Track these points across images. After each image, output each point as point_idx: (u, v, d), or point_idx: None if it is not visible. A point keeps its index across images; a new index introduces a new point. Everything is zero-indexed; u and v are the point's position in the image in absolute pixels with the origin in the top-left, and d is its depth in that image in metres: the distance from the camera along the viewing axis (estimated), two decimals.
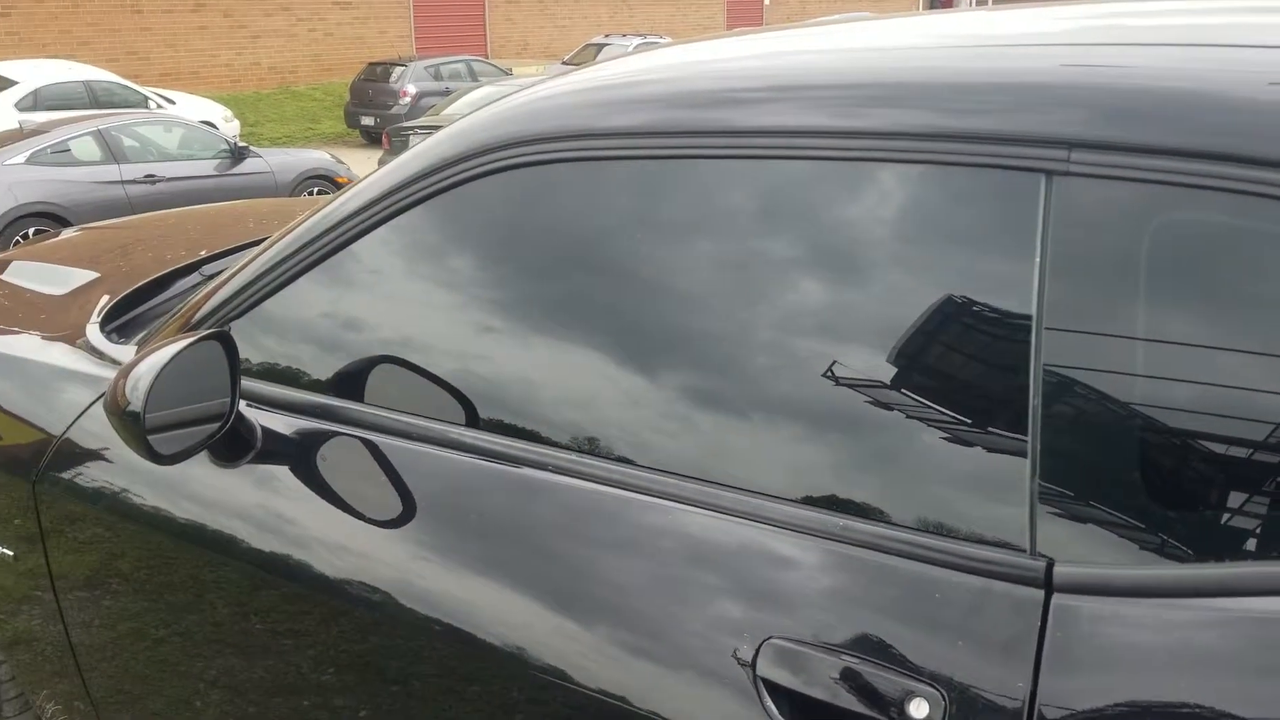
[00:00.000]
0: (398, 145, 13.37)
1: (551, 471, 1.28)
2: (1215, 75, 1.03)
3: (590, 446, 1.28)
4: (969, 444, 1.06)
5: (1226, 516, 0.96)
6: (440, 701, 1.33)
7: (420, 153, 1.45)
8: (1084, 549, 0.99)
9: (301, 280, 1.52)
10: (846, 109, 1.16)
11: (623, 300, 1.27)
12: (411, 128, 13.62)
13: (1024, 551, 1.01)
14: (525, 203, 1.35)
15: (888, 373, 1.10)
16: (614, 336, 1.27)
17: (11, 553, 1.83)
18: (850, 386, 1.12)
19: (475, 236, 1.39)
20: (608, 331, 1.28)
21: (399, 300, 1.45)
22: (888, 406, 1.10)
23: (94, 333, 1.86)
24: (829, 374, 1.13)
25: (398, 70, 19.32)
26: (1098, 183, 1.01)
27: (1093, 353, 1.00)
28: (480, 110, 1.47)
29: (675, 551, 1.17)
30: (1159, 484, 0.99)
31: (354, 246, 1.47)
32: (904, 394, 1.09)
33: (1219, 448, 0.96)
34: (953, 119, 1.09)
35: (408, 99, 18.69)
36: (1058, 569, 0.99)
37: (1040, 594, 0.98)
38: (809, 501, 1.13)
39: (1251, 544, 0.95)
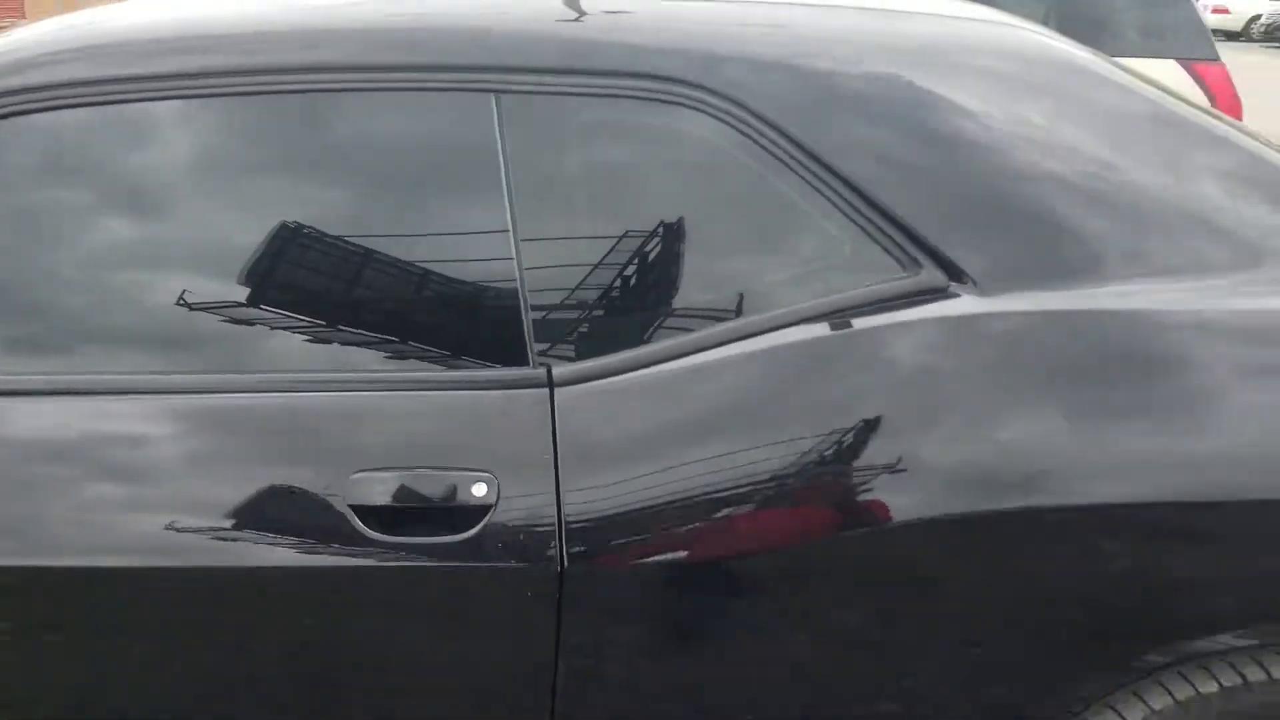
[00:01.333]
0: None
1: None
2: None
3: None
4: (478, 302, 1.47)
5: (655, 313, 1.46)
6: None
7: None
8: (569, 353, 1.43)
9: None
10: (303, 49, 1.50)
11: None
12: None
13: (528, 365, 1.41)
14: None
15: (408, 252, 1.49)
16: None
17: None
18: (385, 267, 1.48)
19: None
20: None
21: None
22: (419, 284, 1.47)
23: None
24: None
25: None
26: (526, 98, 1.46)
27: (545, 217, 1.46)
28: None
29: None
30: (604, 300, 1.45)
31: None
32: (427, 271, 1.48)
33: (635, 271, 1.45)
34: (404, 55, 1.47)
35: None
36: (555, 370, 1.41)
37: (546, 392, 1.39)
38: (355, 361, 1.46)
39: (677, 324, 1.44)
